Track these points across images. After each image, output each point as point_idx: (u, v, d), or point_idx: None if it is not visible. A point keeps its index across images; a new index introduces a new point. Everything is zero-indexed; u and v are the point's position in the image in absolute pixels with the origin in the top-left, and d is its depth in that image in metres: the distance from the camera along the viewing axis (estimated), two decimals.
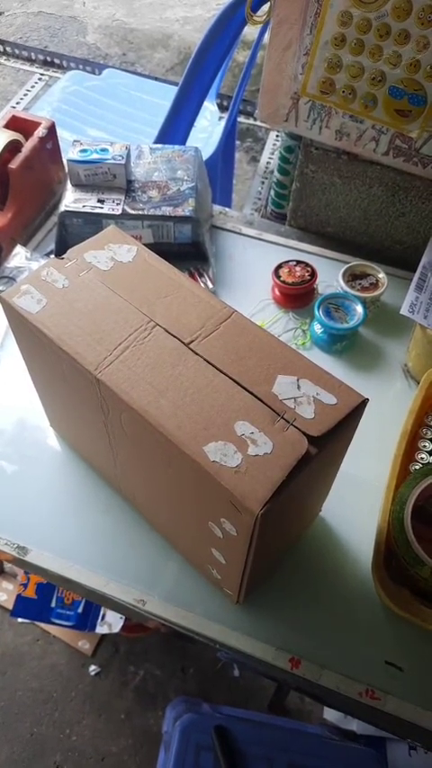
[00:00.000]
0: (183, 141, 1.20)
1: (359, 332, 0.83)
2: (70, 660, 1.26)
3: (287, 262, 0.86)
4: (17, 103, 2.19)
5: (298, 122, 0.83)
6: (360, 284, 0.84)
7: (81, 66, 2.28)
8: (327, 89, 0.77)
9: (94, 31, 2.64)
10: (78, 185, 0.86)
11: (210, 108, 1.50)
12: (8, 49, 2.44)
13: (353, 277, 0.85)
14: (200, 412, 0.45)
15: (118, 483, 0.66)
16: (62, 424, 0.70)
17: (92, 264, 0.55)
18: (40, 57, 2.38)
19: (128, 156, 0.86)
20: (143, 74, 2.23)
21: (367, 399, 0.47)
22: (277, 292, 0.86)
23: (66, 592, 1.15)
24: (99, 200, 0.85)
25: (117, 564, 0.64)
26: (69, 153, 0.85)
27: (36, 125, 0.91)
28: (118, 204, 0.84)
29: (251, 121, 2.24)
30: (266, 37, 0.78)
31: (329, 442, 0.45)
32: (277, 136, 2.07)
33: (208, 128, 1.46)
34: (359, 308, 0.80)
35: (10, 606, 1.22)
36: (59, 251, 0.87)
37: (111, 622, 1.15)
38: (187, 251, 0.88)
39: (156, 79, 1.89)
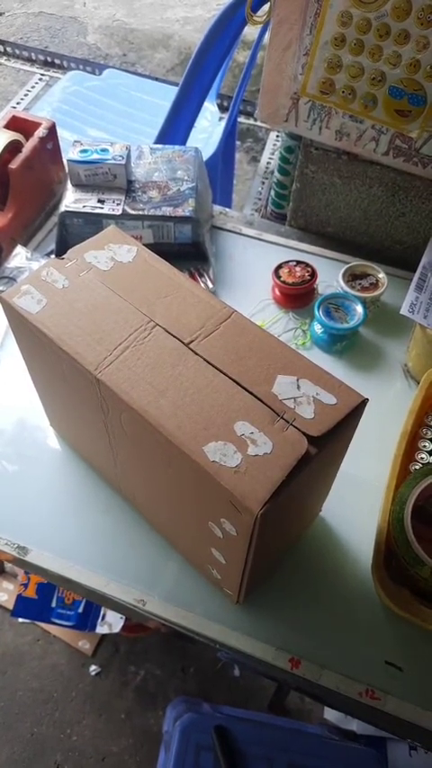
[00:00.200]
0: (183, 141, 1.20)
1: (359, 332, 0.83)
2: (70, 660, 1.26)
3: (287, 262, 0.86)
4: (17, 104, 2.19)
5: (298, 122, 0.83)
6: (360, 284, 0.84)
7: (81, 67, 2.28)
8: (327, 89, 0.77)
9: (94, 31, 2.64)
10: (79, 185, 0.86)
11: (210, 108, 1.50)
12: (9, 49, 2.44)
13: (353, 277, 0.85)
14: (200, 412, 0.45)
15: (118, 483, 0.66)
16: (62, 424, 0.70)
17: (92, 264, 0.55)
18: (41, 57, 2.38)
19: (128, 156, 0.86)
20: (143, 74, 2.23)
21: (367, 399, 0.47)
22: (277, 292, 0.86)
23: (66, 592, 1.15)
24: (99, 201, 0.85)
25: (117, 564, 0.64)
26: (70, 153, 0.85)
27: (36, 125, 0.92)
28: (118, 204, 0.84)
29: (251, 122, 2.24)
30: (266, 37, 0.78)
31: (329, 441, 0.45)
32: (277, 136, 2.07)
33: (208, 128, 1.46)
34: (359, 308, 0.80)
35: (10, 606, 1.22)
36: (60, 251, 0.87)
37: (111, 622, 1.15)
38: (187, 251, 0.88)
39: (156, 79, 1.89)
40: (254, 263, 0.91)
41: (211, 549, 0.53)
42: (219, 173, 1.37)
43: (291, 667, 0.59)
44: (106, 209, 0.84)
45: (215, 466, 0.43)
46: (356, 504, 0.67)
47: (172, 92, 1.17)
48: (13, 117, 0.92)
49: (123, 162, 0.84)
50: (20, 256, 0.86)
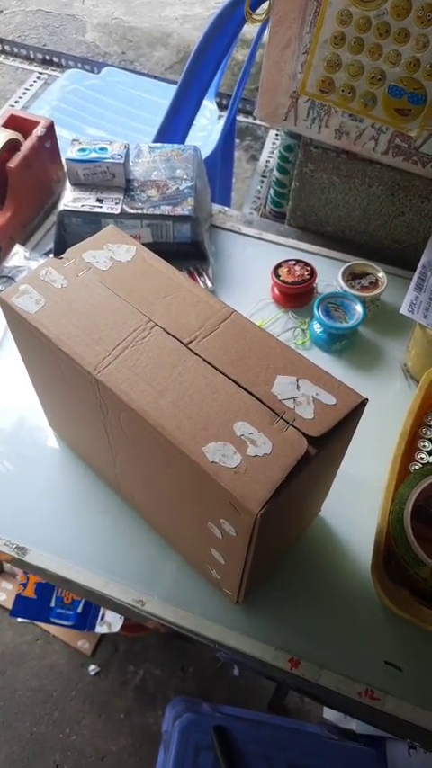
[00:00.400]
0: (182, 140, 1.20)
1: (359, 331, 0.83)
2: (70, 660, 1.26)
3: (286, 261, 0.86)
4: (16, 102, 2.18)
5: (297, 121, 0.82)
6: (359, 283, 0.84)
7: (80, 65, 2.28)
8: (326, 88, 0.77)
9: (92, 29, 2.64)
10: (77, 184, 0.86)
11: (209, 106, 1.49)
12: (7, 47, 2.43)
13: (352, 276, 0.85)
14: (199, 412, 0.45)
15: (117, 483, 0.66)
16: (61, 423, 0.70)
17: (91, 264, 0.55)
18: (39, 55, 2.38)
19: (127, 155, 0.86)
20: (142, 72, 2.22)
21: (367, 399, 0.47)
22: (277, 292, 0.86)
23: (65, 591, 1.15)
24: (98, 200, 0.85)
25: (116, 564, 0.64)
26: (68, 152, 0.85)
27: (35, 124, 0.91)
28: (117, 203, 0.84)
29: (250, 120, 2.24)
30: (266, 35, 0.78)
31: (329, 442, 0.45)
32: (277, 134, 2.07)
33: (207, 126, 1.46)
34: (359, 308, 0.80)
35: (9, 606, 1.21)
36: (58, 250, 0.87)
37: (110, 622, 1.15)
38: (186, 250, 0.88)
39: (155, 78, 1.89)
40: (253, 262, 0.91)
41: (211, 549, 0.53)
42: (218, 171, 1.37)
43: (290, 667, 0.59)
44: (105, 208, 0.84)
45: (215, 466, 0.43)
46: (356, 505, 0.67)
47: (171, 90, 1.17)
48: (12, 116, 0.92)
49: (122, 161, 0.84)
50: (18, 255, 0.86)
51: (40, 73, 2.32)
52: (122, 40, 2.60)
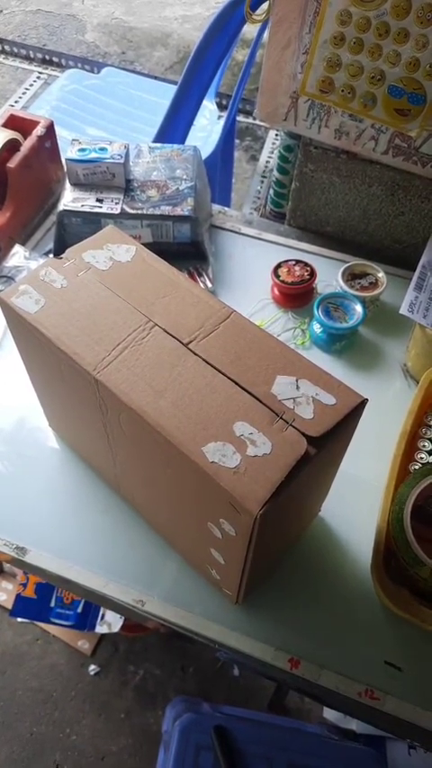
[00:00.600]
0: (182, 140, 1.20)
1: (358, 331, 0.83)
2: (70, 660, 1.26)
3: (286, 261, 0.86)
4: (16, 102, 2.18)
5: (297, 121, 0.82)
6: (359, 283, 0.84)
7: (80, 65, 2.28)
8: (326, 88, 0.77)
9: (92, 29, 2.64)
10: (77, 184, 0.86)
11: (209, 107, 1.49)
12: (6, 47, 2.43)
13: (352, 276, 0.85)
14: (199, 412, 0.45)
15: (117, 483, 0.66)
16: (61, 424, 0.70)
17: (90, 264, 0.55)
18: (39, 55, 2.38)
19: (127, 155, 0.86)
20: (142, 72, 2.22)
21: (366, 399, 0.47)
22: (276, 292, 0.86)
23: (65, 591, 1.15)
24: (98, 200, 0.85)
25: (116, 564, 0.64)
26: (68, 152, 0.85)
27: (35, 124, 0.91)
28: (117, 203, 0.84)
29: (250, 120, 2.24)
30: (265, 36, 0.78)
31: (329, 442, 0.45)
32: (276, 135, 2.07)
33: (207, 126, 1.46)
34: (358, 308, 0.80)
35: (9, 606, 1.21)
36: (58, 250, 0.87)
37: (110, 622, 1.15)
38: (186, 250, 0.88)
39: (155, 78, 1.89)
40: (253, 262, 0.91)
41: (211, 549, 0.53)
42: (218, 171, 1.37)
43: (290, 667, 0.59)
44: (105, 208, 0.84)
45: (214, 466, 0.43)
46: (356, 505, 0.67)
47: (171, 90, 1.17)
48: (11, 116, 0.92)
49: (122, 161, 0.84)
50: (18, 255, 0.86)
51: (40, 73, 2.32)
52: (122, 40, 2.60)
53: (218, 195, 1.39)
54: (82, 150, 0.85)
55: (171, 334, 0.50)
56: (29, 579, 1.16)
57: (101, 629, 1.14)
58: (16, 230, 0.91)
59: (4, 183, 0.88)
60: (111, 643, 1.28)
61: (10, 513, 0.67)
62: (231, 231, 0.95)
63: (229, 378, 0.47)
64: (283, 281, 0.84)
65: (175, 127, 1.16)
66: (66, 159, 0.84)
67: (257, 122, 2.22)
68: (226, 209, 0.99)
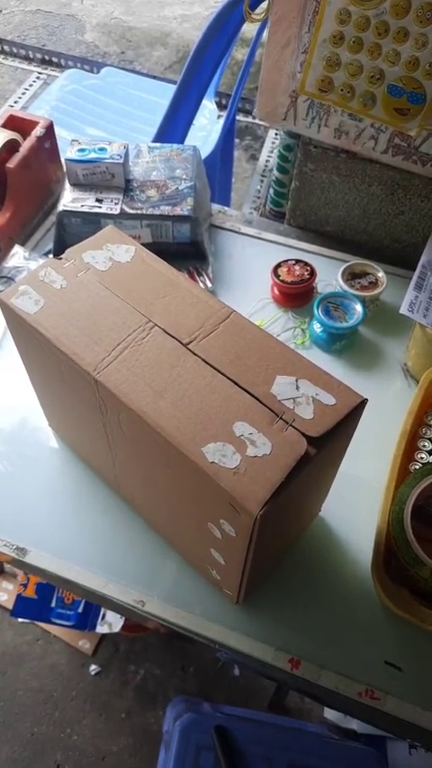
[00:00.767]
0: (181, 140, 1.20)
1: (358, 331, 0.83)
2: (70, 660, 1.26)
3: (286, 261, 0.86)
4: (15, 102, 2.18)
5: (297, 121, 0.82)
6: (359, 283, 0.84)
7: (79, 65, 2.27)
8: (325, 87, 0.77)
9: (92, 29, 2.63)
10: (76, 185, 0.86)
11: (208, 106, 1.49)
12: (6, 47, 2.43)
13: (352, 276, 0.85)
14: (198, 413, 0.45)
15: (117, 483, 0.66)
16: (61, 424, 0.70)
17: (90, 265, 0.55)
18: (38, 55, 2.37)
19: (126, 155, 0.86)
20: (142, 72, 2.22)
21: (366, 400, 0.47)
22: (276, 291, 0.86)
23: (66, 591, 1.15)
24: (97, 200, 0.85)
25: (116, 564, 0.64)
26: (67, 152, 0.85)
27: (34, 124, 0.91)
28: (116, 204, 0.84)
29: (250, 120, 2.24)
30: (265, 35, 0.78)
31: (329, 442, 0.45)
32: (276, 134, 2.06)
33: (207, 126, 1.46)
34: (358, 307, 0.80)
35: (10, 606, 1.22)
36: (58, 251, 0.87)
37: (111, 622, 1.15)
38: (186, 250, 0.88)
39: (154, 77, 1.89)
40: (253, 261, 0.91)
41: (211, 549, 0.53)
42: (217, 171, 1.37)
43: (290, 667, 0.59)
44: (104, 208, 0.84)
45: (214, 467, 0.43)
46: (356, 505, 0.67)
47: (170, 90, 1.17)
48: (11, 116, 0.92)
49: (121, 161, 0.84)
50: (17, 256, 0.86)
51: (40, 73, 2.32)
52: (122, 39, 2.60)
53: (217, 195, 1.39)
54: (81, 150, 0.85)
55: (171, 335, 0.50)
56: (29, 579, 1.16)
57: (102, 629, 1.14)
58: (16, 231, 0.91)
59: (4, 183, 0.88)
60: (111, 643, 1.28)
61: (10, 513, 0.67)
62: (231, 231, 0.95)
63: (228, 378, 0.47)
64: (282, 281, 0.84)
65: (174, 126, 1.16)
66: (65, 159, 0.84)
67: (257, 122, 2.22)
68: (225, 208, 0.98)
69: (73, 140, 0.86)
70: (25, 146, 0.89)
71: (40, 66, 2.37)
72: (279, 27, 0.74)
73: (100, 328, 0.50)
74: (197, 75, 1.12)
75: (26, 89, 2.24)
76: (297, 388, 0.47)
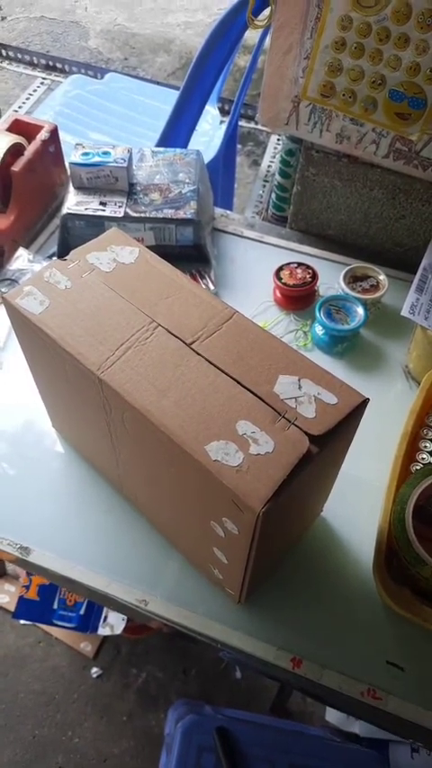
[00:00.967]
0: (184, 145, 1.21)
1: (360, 333, 0.83)
2: (72, 662, 1.26)
3: (288, 264, 0.87)
4: (19, 107, 2.20)
5: (299, 126, 0.83)
6: (361, 286, 0.84)
7: (83, 71, 2.29)
8: (327, 92, 0.78)
9: (95, 35, 2.66)
10: (80, 188, 0.87)
11: (211, 112, 1.50)
12: (10, 53, 2.45)
13: (354, 279, 0.85)
14: (202, 412, 0.46)
15: (120, 483, 0.66)
16: (65, 424, 0.70)
17: (94, 266, 0.55)
18: (43, 61, 2.39)
19: (130, 159, 0.86)
20: (145, 78, 2.24)
21: (368, 399, 0.48)
22: (278, 294, 0.87)
23: (68, 593, 1.15)
24: (101, 203, 0.85)
25: (119, 564, 0.64)
26: (71, 156, 0.85)
27: (38, 128, 0.92)
28: (120, 207, 0.85)
29: (252, 125, 2.25)
30: (267, 41, 0.79)
31: (330, 441, 0.45)
32: (278, 139, 2.08)
33: (209, 131, 1.47)
34: (360, 310, 0.81)
35: (12, 608, 1.22)
36: (61, 253, 0.87)
37: (113, 624, 1.15)
38: (189, 253, 0.88)
39: (157, 83, 1.90)
40: (255, 265, 0.92)
41: (213, 548, 0.54)
42: (220, 176, 1.38)
43: (292, 667, 0.59)
44: (108, 211, 0.84)
45: (217, 465, 0.43)
46: (357, 505, 0.68)
47: (173, 95, 1.18)
48: (16, 120, 0.93)
49: (125, 165, 0.85)
50: (22, 258, 0.87)
51: (44, 78, 2.33)
52: (125, 46, 2.62)
53: (220, 199, 1.40)
54: (85, 154, 0.85)
55: (174, 335, 0.50)
56: (32, 581, 1.16)
57: (103, 631, 1.14)
58: (20, 233, 0.92)
59: (9, 186, 0.89)
60: (113, 645, 1.28)
61: (14, 513, 0.68)
62: (233, 234, 0.96)
63: (231, 377, 0.48)
64: (285, 284, 0.84)
65: (177, 132, 1.17)
66: (69, 163, 0.85)
67: (259, 127, 2.24)
68: (228, 212, 0.99)
69: (77, 144, 0.87)
70: (30, 149, 0.89)
71: (44, 71, 2.38)
72: (281, 33, 0.75)
73: (104, 328, 0.50)
74: (200, 81, 1.13)
75: (30, 94, 2.25)
76: (299, 387, 0.47)
